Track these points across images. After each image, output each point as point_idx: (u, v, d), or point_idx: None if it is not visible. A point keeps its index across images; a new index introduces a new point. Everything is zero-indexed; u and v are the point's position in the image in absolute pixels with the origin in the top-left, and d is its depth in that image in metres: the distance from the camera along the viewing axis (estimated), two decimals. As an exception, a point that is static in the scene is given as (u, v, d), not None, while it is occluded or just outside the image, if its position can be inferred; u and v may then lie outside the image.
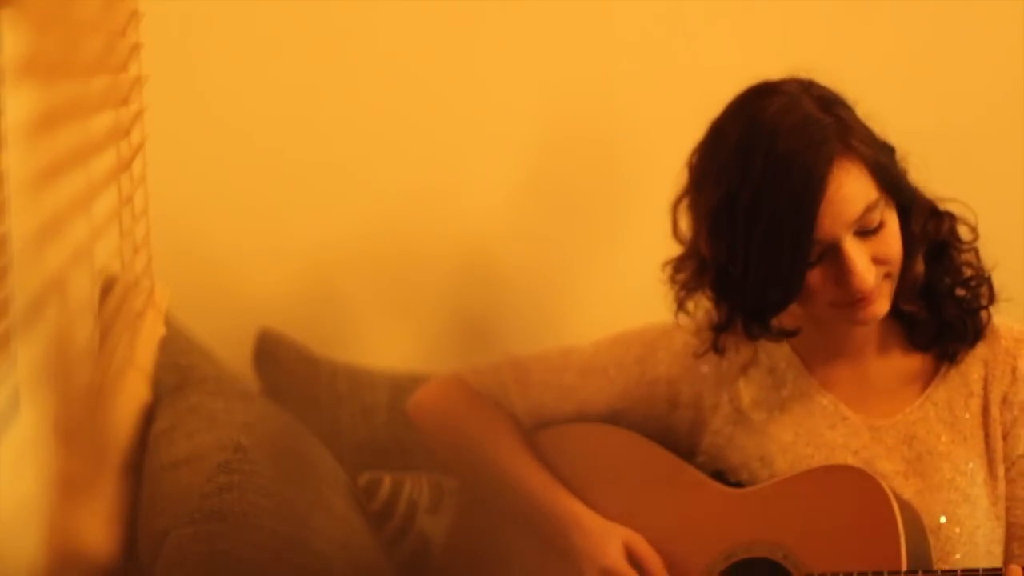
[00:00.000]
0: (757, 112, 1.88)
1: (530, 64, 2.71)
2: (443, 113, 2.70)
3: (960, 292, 1.96)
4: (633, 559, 1.97)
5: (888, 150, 1.92)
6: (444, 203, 2.68)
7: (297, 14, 2.66)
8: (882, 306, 1.90)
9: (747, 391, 2.02)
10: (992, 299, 1.97)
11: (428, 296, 2.68)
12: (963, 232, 1.98)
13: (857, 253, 1.86)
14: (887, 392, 1.97)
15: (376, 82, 2.69)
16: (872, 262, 1.87)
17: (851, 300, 1.88)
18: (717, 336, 1.99)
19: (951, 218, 1.97)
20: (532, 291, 2.67)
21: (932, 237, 1.95)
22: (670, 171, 1.99)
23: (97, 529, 1.37)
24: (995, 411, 1.94)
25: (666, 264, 2.00)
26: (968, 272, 1.97)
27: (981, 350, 1.97)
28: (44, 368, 1.38)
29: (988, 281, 1.98)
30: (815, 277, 1.87)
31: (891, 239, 1.89)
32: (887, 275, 1.89)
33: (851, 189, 1.85)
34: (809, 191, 1.83)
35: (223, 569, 1.84)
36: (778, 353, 2.02)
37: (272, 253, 2.67)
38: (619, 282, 2.65)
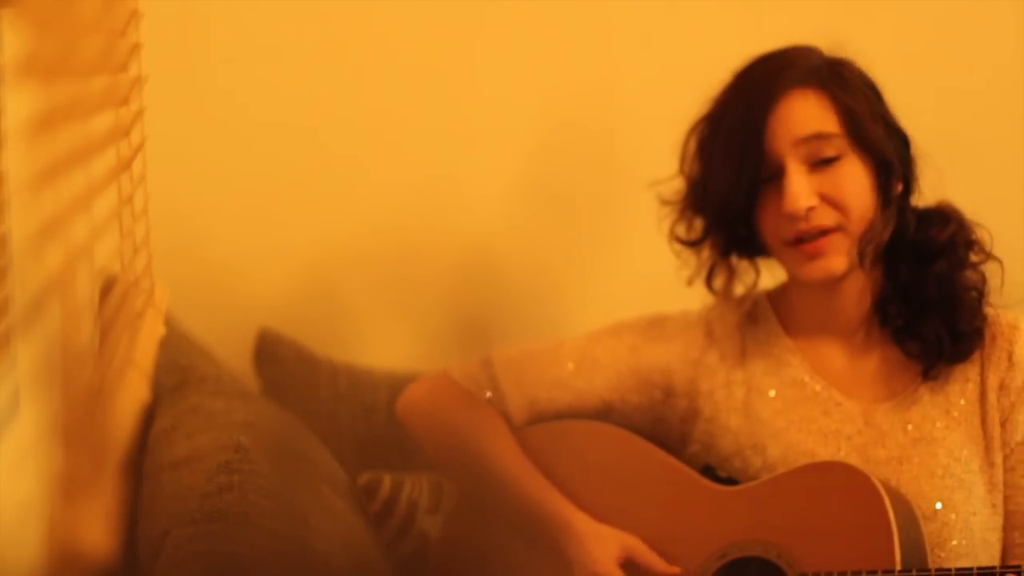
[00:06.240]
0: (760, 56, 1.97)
1: (529, 63, 2.71)
2: (443, 113, 2.70)
3: (947, 305, 1.93)
4: (631, 564, 1.97)
5: (889, 126, 1.93)
6: (444, 203, 2.68)
7: (297, 14, 2.66)
8: (834, 262, 1.91)
9: (740, 378, 2.02)
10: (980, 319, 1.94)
11: (428, 295, 2.68)
12: (971, 252, 1.95)
13: (797, 174, 1.88)
14: (881, 378, 1.97)
15: (376, 82, 2.69)
16: (820, 198, 1.88)
17: (797, 234, 1.89)
18: (699, 251, 2.01)
19: (961, 228, 1.95)
20: (532, 290, 2.67)
21: (928, 236, 1.94)
22: (669, 171, 1.99)
23: (97, 529, 1.37)
24: (992, 397, 1.94)
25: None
26: (962, 288, 1.94)
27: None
28: (44, 368, 1.38)
29: (980, 299, 1.95)
30: (767, 205, 1.90)
31: (846, 181, 1.89)
32: (839, 226, 1.89)
33: (803, 111, 1.89)
34: (760, 104, 1.89)
35: (223, 569, 1.84)
36: (771, 340, 2.02)
37: (272, 253, 2.67)
38: (618, 282, 2.65)
